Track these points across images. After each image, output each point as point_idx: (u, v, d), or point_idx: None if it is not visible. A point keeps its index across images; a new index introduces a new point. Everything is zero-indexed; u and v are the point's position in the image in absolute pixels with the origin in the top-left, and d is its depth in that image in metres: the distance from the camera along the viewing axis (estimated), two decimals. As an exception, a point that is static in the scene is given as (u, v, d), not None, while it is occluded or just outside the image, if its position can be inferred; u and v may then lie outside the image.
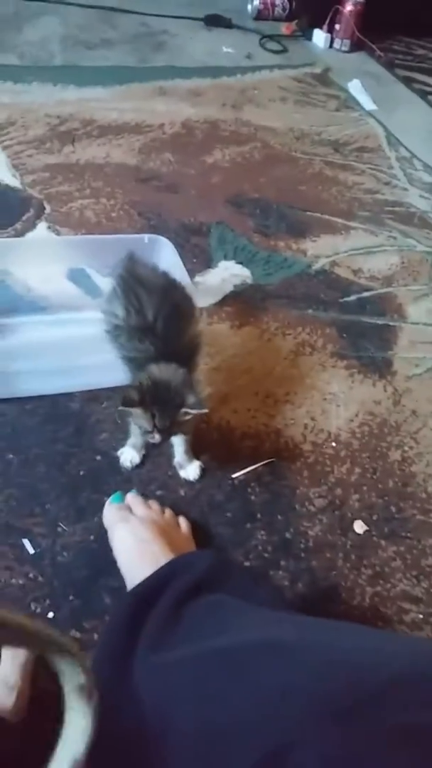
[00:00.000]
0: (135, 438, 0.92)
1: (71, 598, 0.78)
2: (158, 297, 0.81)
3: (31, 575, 0.80)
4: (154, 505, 0.87)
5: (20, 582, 0.79)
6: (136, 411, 0.76)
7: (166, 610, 0.61)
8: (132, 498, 0.87)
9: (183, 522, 0.86)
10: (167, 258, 1.09)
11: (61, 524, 0.85)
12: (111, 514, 0.84)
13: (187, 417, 0.76)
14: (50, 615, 0.76)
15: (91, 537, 0.85)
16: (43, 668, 0.71)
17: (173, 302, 0.83)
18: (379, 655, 0.47)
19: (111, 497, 0.87)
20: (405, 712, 0.41)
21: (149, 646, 0.58)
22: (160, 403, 0.75)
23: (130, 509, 0.84)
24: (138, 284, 0.83)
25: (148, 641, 0.58)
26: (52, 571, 0.80)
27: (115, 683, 0.58)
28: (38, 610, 0.77)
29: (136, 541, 0.77)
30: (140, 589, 0.68)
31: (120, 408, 0.77)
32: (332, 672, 0.44)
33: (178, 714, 0.48)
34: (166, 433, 0.78)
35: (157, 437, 0.77)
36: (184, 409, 0.75)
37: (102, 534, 0.85)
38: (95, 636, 0.75)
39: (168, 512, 0.86)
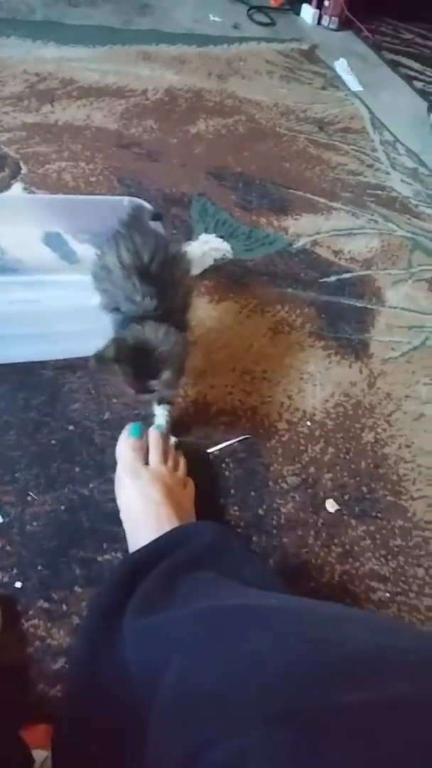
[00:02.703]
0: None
1: (40, 568, 0.76)
2: (155, 242, 0.79)
3: (-2, 544, 0.78)
4: (171, 458, 0.82)
5: (-13, 550, 0.77)
6: (111, 368, 0.72)
7: (159, 579, 0.61)
8: (154, 441, 0.82)
9: (190, 483, 0.83)
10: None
11: (31, 493, 0.83)
12: (126, 453, 0.79)
13: (156, 388, 0.74)
14: (18, 585, 0.74)
15: (62, 507, 0.83)
16: (8, 635, 0.70)
17: (169, 250, 0.81)
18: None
19: (130, 429, 0.80)
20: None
21: (138, 610, 0.58)
22: (135, 367, 0.72)
23: (146, 451, 0.79)
24: (135, 230, 0.81)
25: (137, 605, 0.58)
26: (21, 540, 0.78)
27: (103, 641, 0.59)
28: (5, 579, 0.75)
29: (144, 500, 0.74)
30: (138, 556, 0.67)
31: (91, 361, 0.71)
32: (301, 648, 0.44)
33: (158, 674, 0.48)
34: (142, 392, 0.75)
35: (130, 393, 0.74)
36: (154, 382, 0.73)
37: (73, 505, 0.83)
38: (64, 607, 0.73)
39: (181, 470, 0.83)
